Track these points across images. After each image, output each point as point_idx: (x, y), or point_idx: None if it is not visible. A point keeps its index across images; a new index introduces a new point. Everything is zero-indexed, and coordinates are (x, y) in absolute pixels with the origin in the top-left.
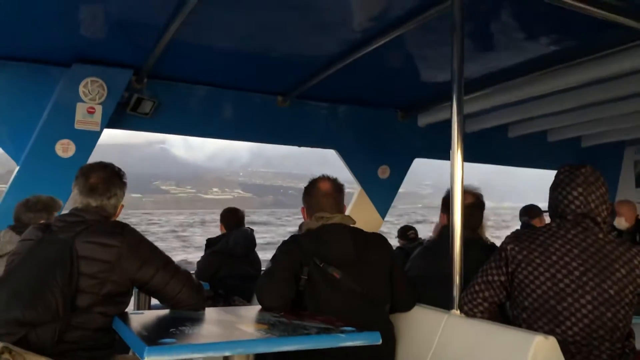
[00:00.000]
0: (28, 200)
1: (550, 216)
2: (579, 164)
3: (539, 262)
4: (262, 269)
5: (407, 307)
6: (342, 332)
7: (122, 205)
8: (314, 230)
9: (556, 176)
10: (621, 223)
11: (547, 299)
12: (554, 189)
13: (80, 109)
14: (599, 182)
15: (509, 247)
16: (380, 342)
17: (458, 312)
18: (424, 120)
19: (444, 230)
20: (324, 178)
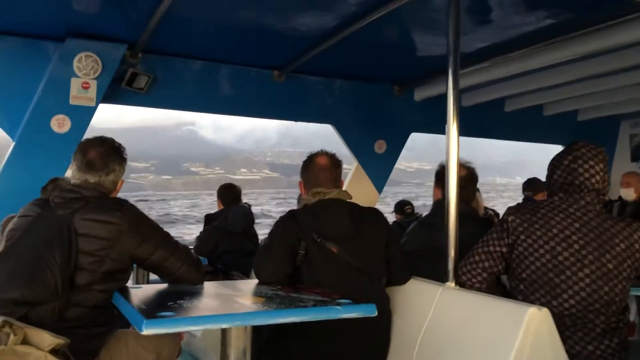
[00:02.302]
0: None
1: (554, 190)
2: (575, 138)
3: (539, 235)
4: (259, 244)
5: (403, 281)
6: (339, 304)
7: (123, 181)
8: (311, 206)
9: (574, 149)
10: (630, 194)
11: (546, 272)
12: (573, 160)
13: (75, 84)
14: (607, 165)
15: (510, 219)
16: (375, 314)
17: (453, 284)
18: (420, 94)
19: (438, 205)
20: (322, 153)
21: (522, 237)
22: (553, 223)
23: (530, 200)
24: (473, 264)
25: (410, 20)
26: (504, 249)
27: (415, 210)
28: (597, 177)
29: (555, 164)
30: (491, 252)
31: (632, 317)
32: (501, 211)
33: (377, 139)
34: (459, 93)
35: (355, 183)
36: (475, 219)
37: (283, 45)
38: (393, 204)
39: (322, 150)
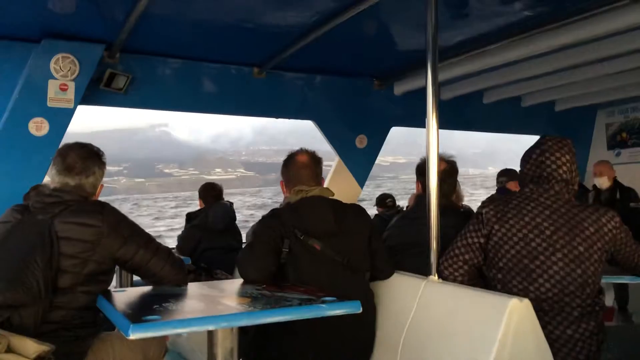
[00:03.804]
0: None
1: (525, 182)
2: (553, 128)
3: (512, 224)
4: (243, 240)
5: (386, 275)
6: (324, 302)
7: (102, 186)
8: (293, 204)
9: (542, 143)
10: (604, 182)
11: (521, 259)
12: (541, 154)
13: (52, 86)
14: (575, 156)
15: (484, 211)
16: (360, 310)
17: (435, 277)
18: (400, 88)
19: (420, 199)
20: (302, 151)
21: (497, 227)
22: (525, 212)
23: (503, 188)
24: (454, 257)
25: (389, 15)
26: (482, 240)
27: (397, 203)
28: (565, 168)
29: (525, 158)
30: (470, 244)
31: (609, 302)
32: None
33: (358, 133)
34: (439, 86)
35: (337, 178)
36: (455, 212)
37: (263, 42)
38: (370, 199)
39: (301, 148)
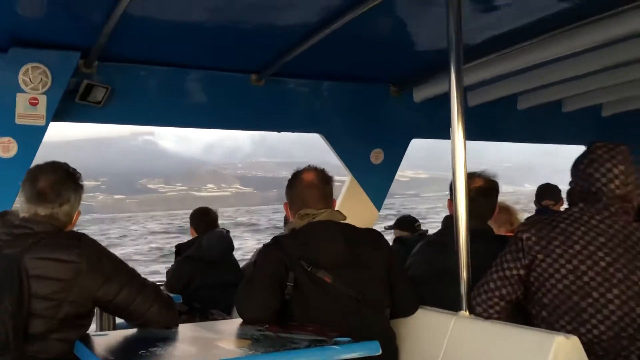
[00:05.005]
0: None
1: (573, 199)
2: (600, 135)
3: (559, 253)
4: (241, 274)
5: (410, 311)
6: (337, 343)
7: (79, 213)
8: (298, 230)
9: (590, 152)
10: None
11: (570, 295)
12: (589, 165)
13: (21, 100)
14: (634, 164)
15: (525, 237)
16: (379, 352)
17: (467, 313)
18: (420, 94)
19: (449, 221)
20: (309, 168)
21: (540, 256)
22: (575, 239)
23: (547, 212)
24: (488, 292)
25: (406, 10)
26: (521, 272)
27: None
28: (617, 182)
29: (573, 171)
30: (507, 276)
31: None
32: None
33: (373, 148)
34: (464, 91)
35: (349, 200)
36: (488, 236)
37: (261, 44)
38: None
39: (309, 165)
